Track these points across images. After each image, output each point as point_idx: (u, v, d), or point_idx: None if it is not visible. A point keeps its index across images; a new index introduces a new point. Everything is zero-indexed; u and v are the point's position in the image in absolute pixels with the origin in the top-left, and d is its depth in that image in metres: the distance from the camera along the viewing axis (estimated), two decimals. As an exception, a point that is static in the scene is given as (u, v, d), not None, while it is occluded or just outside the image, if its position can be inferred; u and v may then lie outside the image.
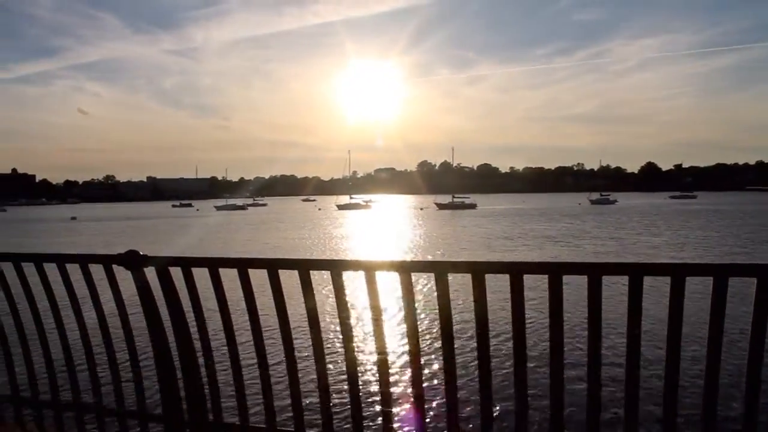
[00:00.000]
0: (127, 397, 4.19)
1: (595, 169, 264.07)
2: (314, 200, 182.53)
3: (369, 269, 3.40)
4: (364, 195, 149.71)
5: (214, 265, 3.71)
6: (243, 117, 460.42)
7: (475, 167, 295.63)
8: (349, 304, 3.56)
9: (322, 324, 3.63)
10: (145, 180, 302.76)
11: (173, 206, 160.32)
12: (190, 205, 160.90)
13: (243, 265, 3.65)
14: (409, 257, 32.83)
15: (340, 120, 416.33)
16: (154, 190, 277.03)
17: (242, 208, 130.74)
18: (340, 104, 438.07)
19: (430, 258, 31.97)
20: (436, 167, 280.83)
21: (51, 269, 4.22)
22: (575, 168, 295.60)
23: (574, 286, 3.26)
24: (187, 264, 3.78)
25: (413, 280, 3.36)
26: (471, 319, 3.29)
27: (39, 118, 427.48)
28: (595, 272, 2.98)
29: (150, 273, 3.88)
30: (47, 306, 4.25)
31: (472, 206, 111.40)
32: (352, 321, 3.67)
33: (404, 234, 55.02)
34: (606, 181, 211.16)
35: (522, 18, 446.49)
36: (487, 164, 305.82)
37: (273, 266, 3.60)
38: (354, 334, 3.60)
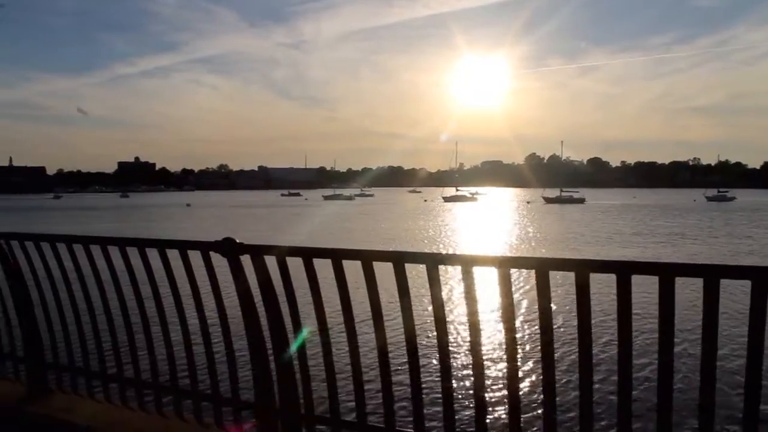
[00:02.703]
0: (222, 383, 4.24)
1: (713, 164, 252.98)
2: (420, 192, 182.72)
3: (466, 264, 3.26)
4: (470, 187, 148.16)
5: (308, 254, 3.69)
6: (350, 108, 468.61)
7: (584, 161, 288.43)
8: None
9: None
10: (256, 169, 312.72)
11: (282, 195, 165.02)
12: (298, 195, 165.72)
13: (337, 256, 3.60)
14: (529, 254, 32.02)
15: (447, 111, 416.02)
16: (265, 179, 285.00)
17: (350, 198, 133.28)
18: (448, 96, 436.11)
19: (567, 255, 30.98)
20: (545, 160, 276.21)
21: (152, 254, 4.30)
22: (691, 163, 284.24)
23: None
24: (282, 253, 3.75)
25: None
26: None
27: (160, 109, 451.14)
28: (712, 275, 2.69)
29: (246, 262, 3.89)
30: (149, 291, 4.33)
31: (581, 201, 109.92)
32: (449, 317, 3.59)
33: (522, 228, 54.04)
34: (724, 177, 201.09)
35: (638, 5, 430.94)
36: (597, 158, 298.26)
37: (367, 258, 3.53)
38: (448, 330, 3.52)
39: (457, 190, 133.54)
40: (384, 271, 3.47)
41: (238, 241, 3.84)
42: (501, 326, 3.24)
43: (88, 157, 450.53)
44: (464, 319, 3.39)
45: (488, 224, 59.95)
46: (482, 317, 3.35)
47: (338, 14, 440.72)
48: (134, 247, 4.35)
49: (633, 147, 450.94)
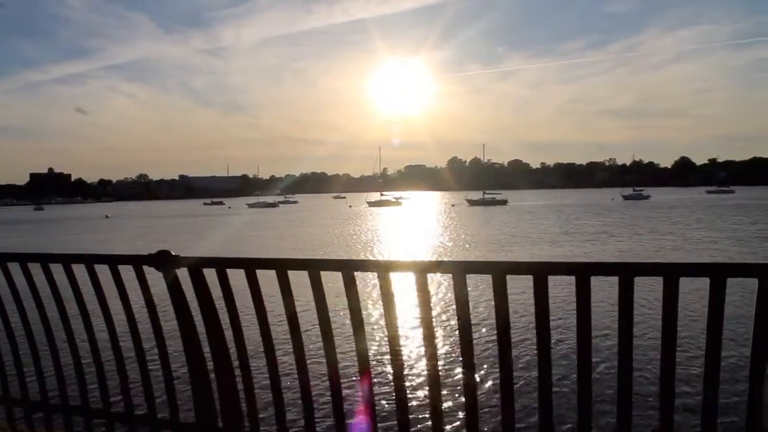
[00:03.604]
0: (159, 404, 4.05)
1: (627, 164, 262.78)
2: (344, 197, 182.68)
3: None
4: (394, 192, 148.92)
5: (250, 265, 3.53)
6: (272, 115, 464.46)
7: (505, 163, 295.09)
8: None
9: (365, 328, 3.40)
10: (177, 178, 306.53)
11: (204, 204, 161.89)
12: (221, 203, 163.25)
13: (282, 267, 3.47)
14: (468, 257, 32.05)
15: (370, 117, 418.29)
16: (187, 188, 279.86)
17: (273, 205, 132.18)
18: (370, 101, 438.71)
19: (496, 256, 31.12)
20: (467, 164, 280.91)
21: (79, 270, 4.07)
22: (607, 163, 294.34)
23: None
24: (221, 264, 3.61)
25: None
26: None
27: (74, 118, 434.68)
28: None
29: (183, 274, 3.70)
30: (76, 309, 4.09)
31: (503, 202, 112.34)
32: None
33: (454, 230, 54.31)
34: (638, 176, 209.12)
35: (553, 11, 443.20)
36: (518, 160, 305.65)
37: (315, 267, 3.39)
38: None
39: (382, 195, 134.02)
40: (329, 279, 3.34)
41: (173, 253, 3.65)
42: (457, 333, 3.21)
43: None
44: (418, 331, 3.16)
45: (421, 228, 60.19)
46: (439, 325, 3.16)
47: (257, 20, 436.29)
48: (59, 264, 4.08)
49: (552, 149, 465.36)
